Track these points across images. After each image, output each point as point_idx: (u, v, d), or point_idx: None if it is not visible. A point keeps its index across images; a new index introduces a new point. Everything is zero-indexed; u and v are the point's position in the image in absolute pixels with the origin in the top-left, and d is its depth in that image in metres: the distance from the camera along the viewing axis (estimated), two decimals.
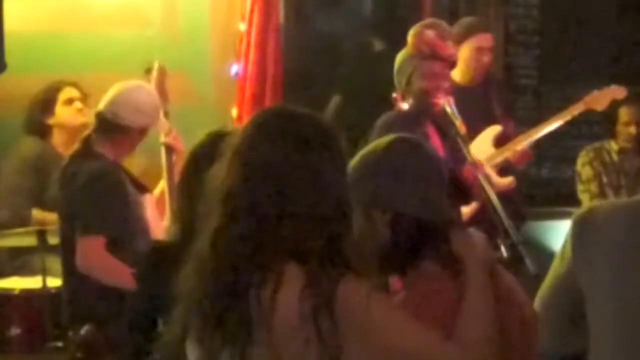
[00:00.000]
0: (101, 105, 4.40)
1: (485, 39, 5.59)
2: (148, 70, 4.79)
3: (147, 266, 3.17)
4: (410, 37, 4.62)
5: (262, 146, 2.12)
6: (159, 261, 3.06)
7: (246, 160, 2.12)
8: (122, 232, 4.19)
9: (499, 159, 5.47)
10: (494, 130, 5.53)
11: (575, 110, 5.57)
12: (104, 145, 4.35)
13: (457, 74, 5.48)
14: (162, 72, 4.77)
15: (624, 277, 2.44)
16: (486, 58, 5.57)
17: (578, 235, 2.53)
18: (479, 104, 5.47)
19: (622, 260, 2.46)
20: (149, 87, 4.55)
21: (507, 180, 5.42)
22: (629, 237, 2.47)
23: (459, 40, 5.44)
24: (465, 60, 5.55)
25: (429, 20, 4.84)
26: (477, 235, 2.29)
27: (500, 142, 5.54)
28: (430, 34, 4.59)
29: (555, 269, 2.68)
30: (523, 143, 5.53)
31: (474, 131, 5.15)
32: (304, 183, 2.09)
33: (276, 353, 2.03)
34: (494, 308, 2.15)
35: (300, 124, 2.16)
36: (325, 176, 2.11)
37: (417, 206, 2.30)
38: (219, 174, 2.16)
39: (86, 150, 4.35)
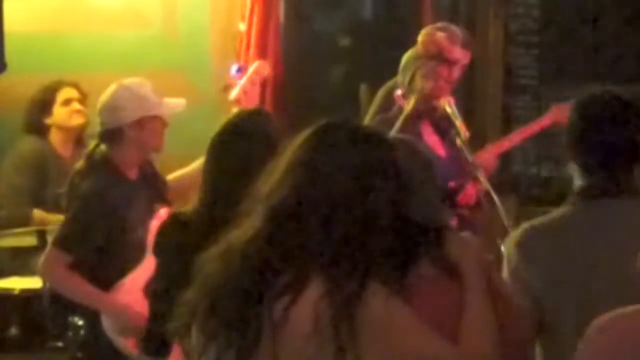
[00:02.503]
0: (97, 127, 4.25)
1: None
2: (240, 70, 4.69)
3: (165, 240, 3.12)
4: (420, 36, 4.65)
5: (324, 165, 2.09)
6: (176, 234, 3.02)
7: (304, 173, 2.10)
8: (95, 258, 4.01)
9: None
10: None
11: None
12: (115, 156, 4.16)
13: None
14: (261, 70, 4.59)
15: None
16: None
17: (524, 253, 2.72)
18: None
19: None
20: (128, 82, 4.26)
21: None
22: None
23: None
24: None
25: (441, 24, 4.86)
26: (472, 239, 2.28)
27: None
28: (440, 35, 4.62)
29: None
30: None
31: None
32: (356, 209, 2.06)
33: None
34: (494, 313, 2.15)
35: (365, 147, 2.12)
36: (379, 205, 2.08)
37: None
38: (270, 175, 2.14)
39: (93, 161, 4.16)
